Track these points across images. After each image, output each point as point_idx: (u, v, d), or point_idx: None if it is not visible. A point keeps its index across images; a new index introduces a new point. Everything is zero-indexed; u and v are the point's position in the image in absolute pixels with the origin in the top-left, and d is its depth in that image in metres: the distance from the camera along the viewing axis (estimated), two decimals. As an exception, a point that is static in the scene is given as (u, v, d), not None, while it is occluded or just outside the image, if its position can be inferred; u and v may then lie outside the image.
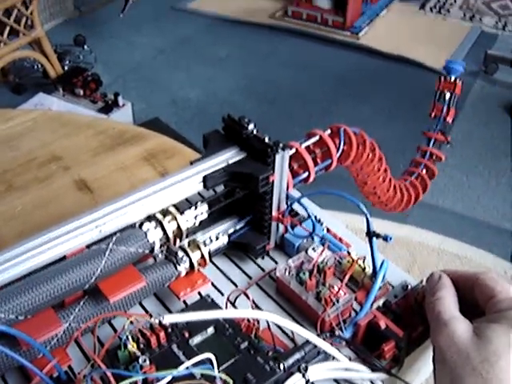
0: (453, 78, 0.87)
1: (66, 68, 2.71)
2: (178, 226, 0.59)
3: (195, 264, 0.59)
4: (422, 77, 2.90)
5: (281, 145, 0.61)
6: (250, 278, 0.65)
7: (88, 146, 1.03)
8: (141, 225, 0.57)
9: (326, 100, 2.74)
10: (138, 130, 1.08)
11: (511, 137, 2.50)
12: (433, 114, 0.89)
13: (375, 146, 0.76)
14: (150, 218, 0.58)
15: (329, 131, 0.72)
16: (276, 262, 0.67)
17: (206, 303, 0.57)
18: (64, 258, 0.54)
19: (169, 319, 0.49)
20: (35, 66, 2.79)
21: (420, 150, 0.91)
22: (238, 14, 3.43)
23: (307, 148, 0.69)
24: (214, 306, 0.57)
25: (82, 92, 2.48)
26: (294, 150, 0.67)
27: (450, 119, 0.89)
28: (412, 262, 1.86)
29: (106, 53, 3.03)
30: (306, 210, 0.65)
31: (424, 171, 0.91)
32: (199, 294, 0.60)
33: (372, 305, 0.59)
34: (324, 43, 3.19)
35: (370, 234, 0.60)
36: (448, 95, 0.88)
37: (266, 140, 0.61)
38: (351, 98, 2.75)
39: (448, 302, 0.54)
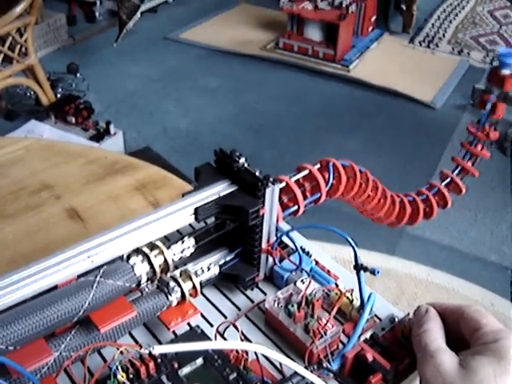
0: (507, 72, 0.84)
1: (58, 95, 2.73)
2: (165, 260, 0.59)
3: (187, 294, 0.60)
4: (411, 109, 2.93)
5: (271, 179, 0.62)
6: (239, 309, 0.66)
7: (79, 175, 1.04)
8: (128, 258, 0.57)
9: (316, 131, 2.77)
10: (129, 160, 1.09)
11: (498, 170, 2.52)
12: (479, 108, 0.88)
13: (368, 176, 0.77)
14: (136, 252, 0.58)
15: (318, 165, 0.73)
16: (265, 294, 0.68)
17: (195, 334, 0.57)
18: (56, 287, 0.54)
19: (159, 350, 0.49)
20: (28, 93, 2.81)
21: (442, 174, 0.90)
22: (229, 45, 3.47)
23: (297, 182, 0.70)
24: (203, 337, 0.57)
25: (73, 120, 2.49)
26: (283, 184, 0.68)
27: (499, 115, 0.88)
28: (400, 293, 1.87)
29: (99, 81, 3.05)
30: (293, 243, 0.66)
31: (437, 197, 0.91)
32: (189, 324, 0.61)
33: (359, 337, 0.59)
34: (315, 75, 3.23)
35: (358, 268, 0.61)
36: (497, 91, 0.86)
37: (257, 174, 0.62)
38: (341, 129, 2.78)
39: (434, 334, 0.54)
